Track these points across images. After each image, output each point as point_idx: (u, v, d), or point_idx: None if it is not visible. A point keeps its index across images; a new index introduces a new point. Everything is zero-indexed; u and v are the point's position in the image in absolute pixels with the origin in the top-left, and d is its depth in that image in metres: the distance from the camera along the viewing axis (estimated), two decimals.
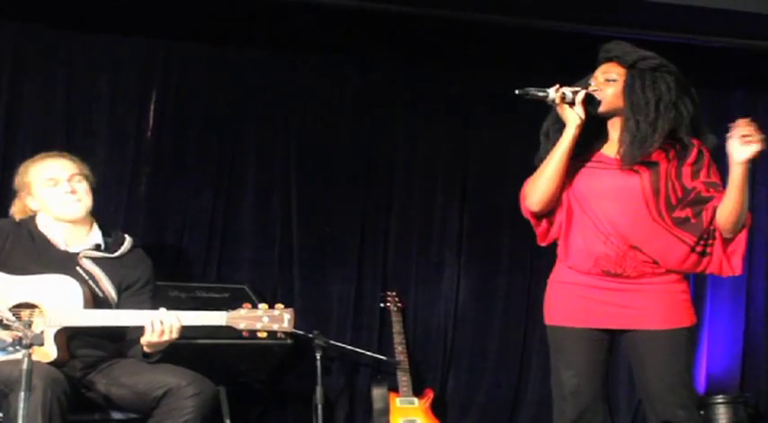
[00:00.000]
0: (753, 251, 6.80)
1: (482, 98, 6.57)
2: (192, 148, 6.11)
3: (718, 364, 6.75)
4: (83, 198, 4.44)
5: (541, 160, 3.96)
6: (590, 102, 3.83)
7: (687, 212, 3.80)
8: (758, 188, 6.83)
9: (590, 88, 3.84)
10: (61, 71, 5.88)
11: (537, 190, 3.91)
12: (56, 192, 4.41)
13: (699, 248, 3.81)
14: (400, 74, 6.46)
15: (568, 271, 3.92)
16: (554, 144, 3.89)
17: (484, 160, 6.60)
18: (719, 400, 6.44)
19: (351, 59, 6.39)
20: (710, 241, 3.81)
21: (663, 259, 3.81)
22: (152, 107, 6.02)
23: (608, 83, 3.85)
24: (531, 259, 6.50)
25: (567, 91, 3.81)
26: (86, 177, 4.51)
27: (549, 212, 3.98)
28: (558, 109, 3.82)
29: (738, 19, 6.04)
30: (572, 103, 3.80)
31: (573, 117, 3.80)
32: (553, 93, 3.80)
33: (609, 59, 3.91)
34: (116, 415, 4.40)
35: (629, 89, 3.82)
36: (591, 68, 3.99)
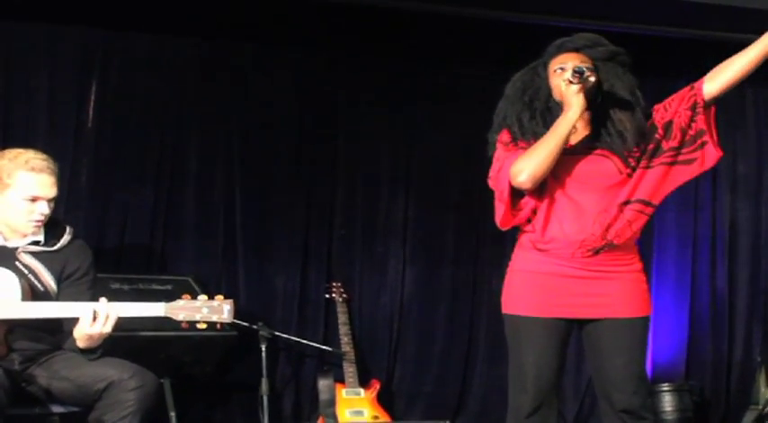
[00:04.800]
0: (697, 238, 6.87)
1: (426, 89, 6.58)
2: (133, 140, 6.05)
3: (664, 352, 6.79)
4: (43, 222, 4.31)
5: (510, 138, 3.90)
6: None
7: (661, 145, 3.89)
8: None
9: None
10: None
11: (536, 164, 3.73)
12: (27, 209, 4.22)
13: (681, 158, 3.89)
14: (343, 65, 6.44)
15: (542, 258, 3.84)
16: (534, 130, 3.84)
17: (428, 150, 6.59)
18: (665, 388, 6.51)
19: (292, 52, 6.36)
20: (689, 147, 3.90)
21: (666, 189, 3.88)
22: (92, 98, 5.96)
23: (591, 73, 3.83)
24: (476, 248, 6.54)
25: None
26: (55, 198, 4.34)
27: (522, 194, 3.87)
28: (575, 90, 3.75)
29: (682, 8, 6.08)
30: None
31: (582, 100, 3.77)
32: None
33: (573, 50, 3.90)
34: (57, 408, 4.32)
35: (623, 84, 3.89)
36: (533, 57, 4.00)
